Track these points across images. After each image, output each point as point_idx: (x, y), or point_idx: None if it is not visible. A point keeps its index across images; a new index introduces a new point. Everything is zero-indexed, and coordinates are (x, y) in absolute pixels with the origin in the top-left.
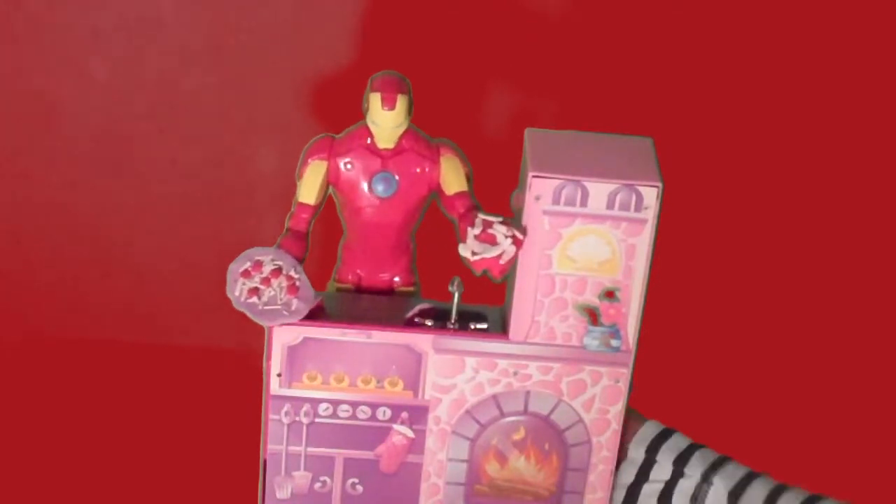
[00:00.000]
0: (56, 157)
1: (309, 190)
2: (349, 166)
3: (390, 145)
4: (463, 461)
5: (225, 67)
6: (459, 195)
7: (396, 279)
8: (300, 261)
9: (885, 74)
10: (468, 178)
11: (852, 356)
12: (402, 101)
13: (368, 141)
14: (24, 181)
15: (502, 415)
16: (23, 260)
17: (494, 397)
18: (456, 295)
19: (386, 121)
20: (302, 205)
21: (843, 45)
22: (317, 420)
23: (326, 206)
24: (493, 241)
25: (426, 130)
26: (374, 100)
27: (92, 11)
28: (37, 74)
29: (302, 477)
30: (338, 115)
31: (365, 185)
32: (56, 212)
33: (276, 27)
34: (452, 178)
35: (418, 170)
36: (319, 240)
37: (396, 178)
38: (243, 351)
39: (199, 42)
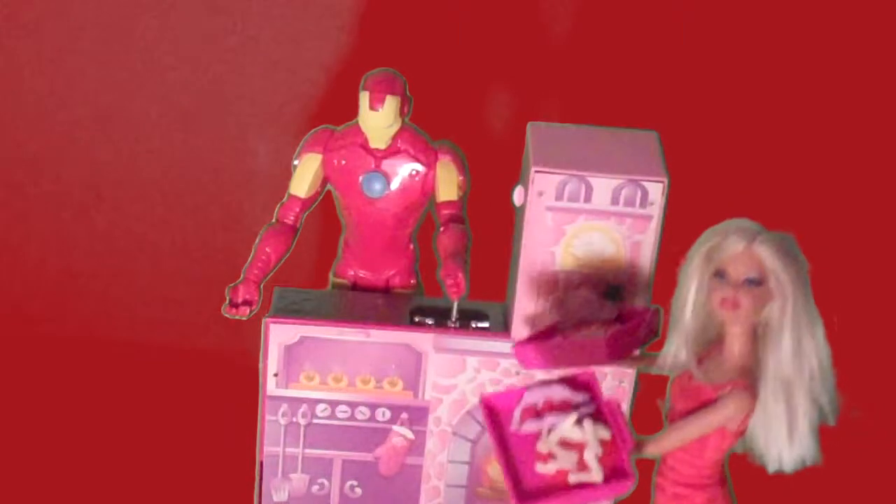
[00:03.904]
0: (54, 157)
1: (300, 182)
2: (343, 162)
3: (382, 146)
4: (464, 463)
5: (226, 68)
6: (447, 204)
7: (394, 279)
8: (282, 256)
9: (888, 70)
10: (460, 187)
11: (855, 357)
12: (391, 102)
13: (364, 139)
14: (23, 181)
15: None
16: (21, 260)
17: None
18: None
19: (372, 121)
20: (293, 197)
21: (850, 40)
22: (314, 421)
23: (328, 201)
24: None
25: (426, 125)
26: (363, 99)
27: (88, 10)
28: (33, 73)
29: (299, 479)
30: (339, 115)
31: (356, 184)
32: (53, 211)
33: (277, 25)
34: (444, 184)
35: (412, 172)
36: (320, 235)
37: (388, 178)
38: (239, 350)
39: (195, 39)
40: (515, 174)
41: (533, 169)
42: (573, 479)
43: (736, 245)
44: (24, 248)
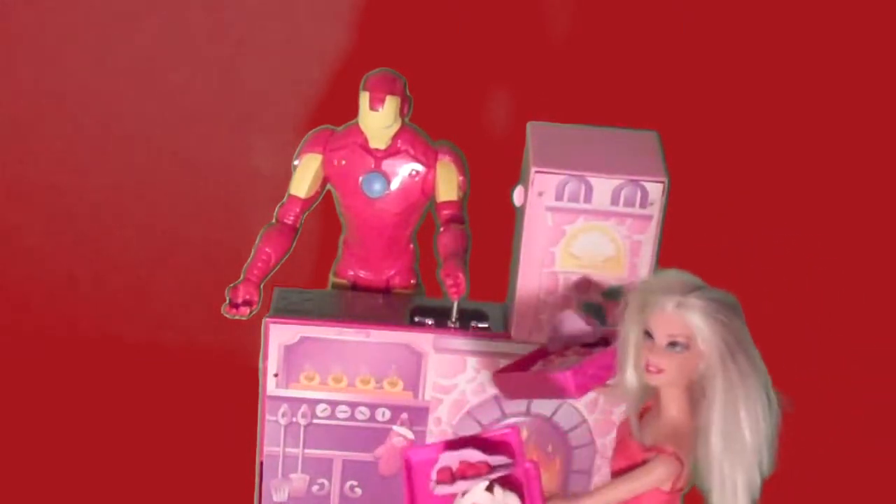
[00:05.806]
0: (54, 157)
1: (300, 182)
2: (343, 162)
3: (382, 146)
4: None
5: (226, 68)
6: (447, 204)
7: (394, 279)
8: (282, 257)
9: (888, 70)
10: (460, 187)
11: (857, 357)
12: (391, 103)
13: (364, 139)
14: (22, 180)
15: (504, 416)
16: (21, 259)
17: (496, 398)
18: None
19: (372, 121)
20: (293, 197)
21: (850, 40)
22: (314, 421)
23: (328, 201)
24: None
25: (426, 125)
26: (363, 99)
27: (88, 10)
28: (32, 72)
29: (299, 479)
30: (339, 115)
31: (356, 184)
32: (53, 211)
33: (277, 25)
34: (444, 185)
35: (412, 172)
36: (320, 235)
37: (388, 179)
38: (239, 350)
39: (195, 39)
40: (515, 174)
41: (533, 169)
42: None
43: (662, 305)
44: (24, 247)
